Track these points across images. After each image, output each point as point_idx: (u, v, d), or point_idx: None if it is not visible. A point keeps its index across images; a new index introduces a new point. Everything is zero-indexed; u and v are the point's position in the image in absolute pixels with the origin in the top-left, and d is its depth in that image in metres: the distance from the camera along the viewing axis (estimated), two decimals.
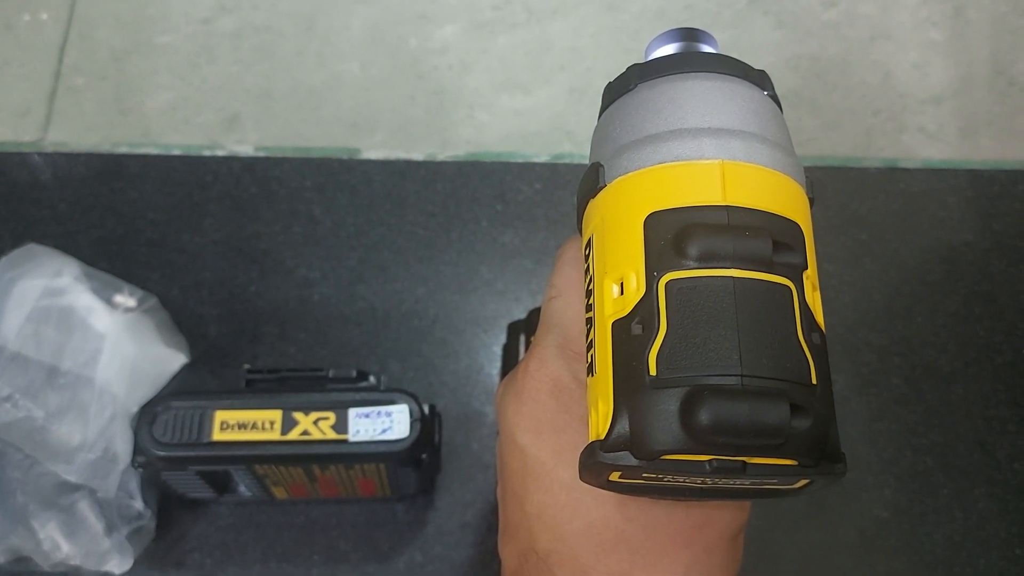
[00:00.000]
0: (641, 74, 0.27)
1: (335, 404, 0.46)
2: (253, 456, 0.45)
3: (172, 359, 0.54)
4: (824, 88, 0.67)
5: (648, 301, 0.23)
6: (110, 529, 0.48)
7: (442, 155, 0.63)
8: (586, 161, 0.28)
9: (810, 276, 0.24)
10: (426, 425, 0.46)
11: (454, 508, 0.53)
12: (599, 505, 0.28)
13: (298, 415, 0.46)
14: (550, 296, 0.31)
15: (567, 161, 0.63)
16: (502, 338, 0.54)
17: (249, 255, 0.59)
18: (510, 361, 0.48)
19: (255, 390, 0.48)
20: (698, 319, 0.22)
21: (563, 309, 0.30)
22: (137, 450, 0.46)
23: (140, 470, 0.47)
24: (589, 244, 0.26)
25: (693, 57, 0.27)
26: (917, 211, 0.62)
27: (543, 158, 0.63)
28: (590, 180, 0.26)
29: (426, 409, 0.46)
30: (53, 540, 0.48)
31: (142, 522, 0.49)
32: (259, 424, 0.45)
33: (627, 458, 0.23)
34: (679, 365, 0.22)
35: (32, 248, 0.54)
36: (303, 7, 0.68)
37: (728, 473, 0.22)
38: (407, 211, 0.61)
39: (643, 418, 0.22)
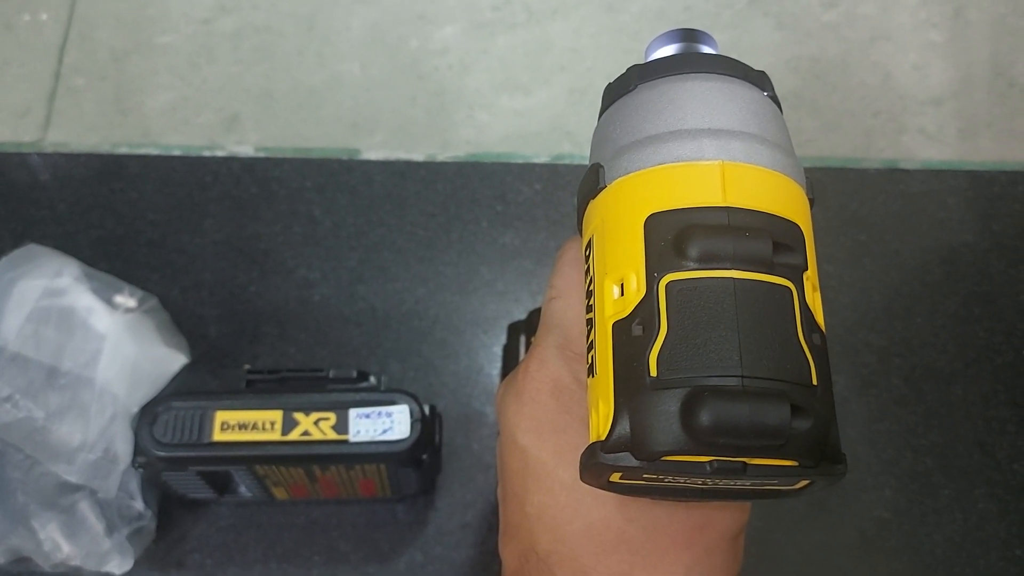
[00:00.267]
0: (641, 75, 0.27)
1: (335, 404, 0.46)
2: (254, 456, 0.45)
3: (172, 359, 0.54)
4: (824, 89, 0.67)
5: (648, 302, 0.23)
6: (111, 530, 0.48)
7: (442, 156, 0.63)
8: (586, 162, 0.28)
9: (810, 277, 0.24)
10: (426, 425, 0.46)
11: (454, 508, 0.53)
12: (600, 506, 0.28)
13: (298, 415, 0.46)
14: (550, 297, 0.31)
15: (567, 162, 0.63)
16: (502, 339, 0.54)
17: (249, 255, 0.59)
18: (510, 362, 0.48)
19: (255, 390, 0.48)
20: (698, 320, 0.22)
21: (563, 310, 0.30)
22: (137, 450, 0.46)
23: (140, 470, 0.47)
24: (589, 245, 0.26)
25: (693, 58, 0.27)
26: (917, 212, 0.62)
27: (543, 159, 0.63)
28: (590, 181, 0.26)
29: (426, 409, 0.47)
30: (53, 540, 0.48)
31: (142, 522, 0.49)
32: (259, 424, 0.45)
33: (628, 459, 0.23)
34: (680, 366, 0.22)
35: (32, 248, 0.54)
36: (303, 7, 0.68)
37: (729, 474, 0.22)
38: (407, 212, 0.61)
39: (644, 419, 0.22)
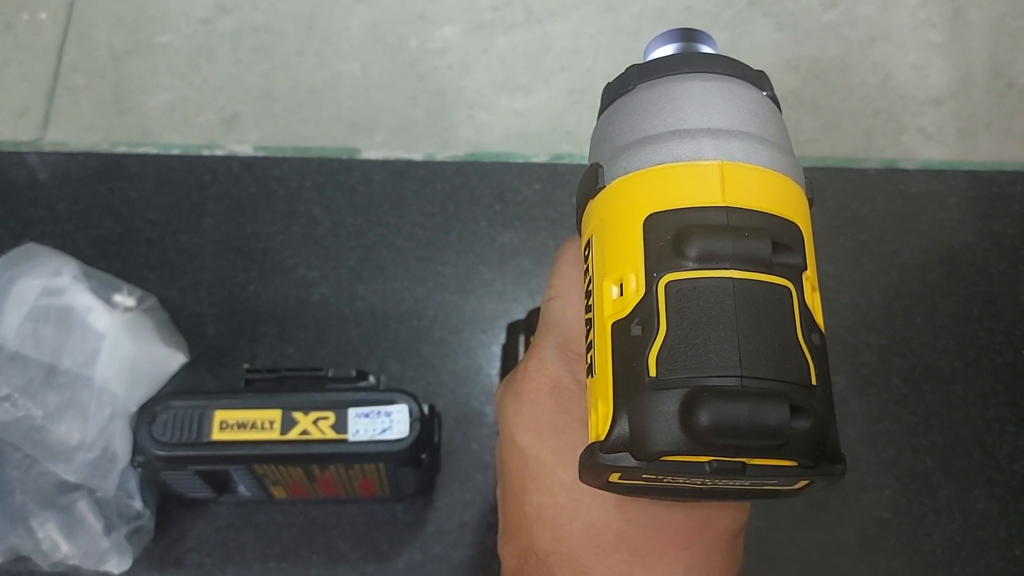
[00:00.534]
0: (640, 75, 0.27)
1: (334, 404, 0.46)
2: (252, 456, 0.45)
3: (171, 359, 0.54)
4: (824, 89, 0.67)
5: (647, 302, 0.23)
6: (109, 529, 0.48)
7: (441, 155, 0.63)
8: (585, 162, 0.28)
9: (809, 277, 0.24)
10: (425, 425, 0.46)
11: (453, 508, 0.53)
12: (599, 506, 0.28)
13: (297, 415, 0.45)
14: (549, 297, 0.31)
15: (567, 161, 0.63)
16: (501, 338, 0.54)
17: (248, 255, 0.59)
18: (509, 361, 0.48)
19: (254, 390, 0.48)
20: (697, 320, 0.22)
21: (562, 310, 0.30)
22: (136, 450, 0.46)
23: (139, 470, 0.47)
24: (588, 245, 0.26)
25: (692, 58, 0.27)
26: (916, 212, 0.62)
27: (542, 158, 0.63)
28: (589, 181, 0.26)
29: (425, 409, 0.46)
30: (52, 540, 0.48)
31: (141, 522, 0.49)
32: (258, 424, 0.45)
33: (627, 459, 0.23)
34: (679, 366, 0.22)
35: (31, 247, 0.54)
36: (303, 7, 0.68)
37: (728, 474, 0.22)
38: (406, 211, 0.61)
39: (643, 419, 0.22)
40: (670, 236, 0.23)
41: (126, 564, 0.49)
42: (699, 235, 0.23)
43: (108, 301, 0.52)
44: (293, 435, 0.45)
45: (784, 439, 0.22)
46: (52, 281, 0.51)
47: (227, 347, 0.57)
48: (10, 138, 0.63)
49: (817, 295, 0.25)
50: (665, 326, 0.23)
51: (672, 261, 0.23)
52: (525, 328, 0.47)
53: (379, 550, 0.52)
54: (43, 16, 0.67)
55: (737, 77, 0.26)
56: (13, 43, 0.67)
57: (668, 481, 0.23)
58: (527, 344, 0.46)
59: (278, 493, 0.50)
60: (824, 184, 0.63)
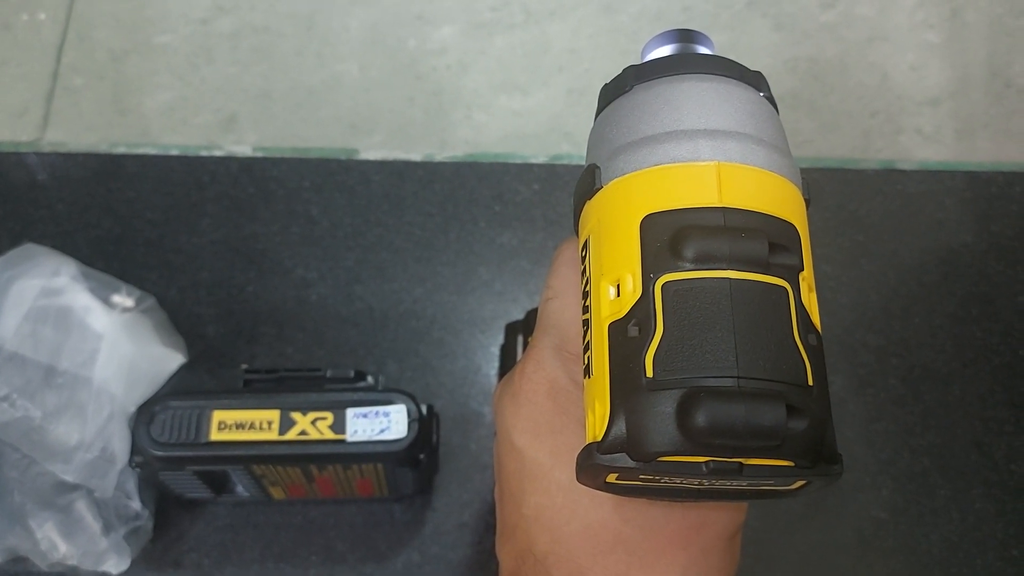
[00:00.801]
0: (637, 76, 0.27)
1: (333, 404, 0.46)
2: (251, 456, 0.45)
3: (170, 359, 0.54)
4: (822, 90, 0.67)
5: (644, 303, 0.23)
6: (107, 529, 0.48)
7: (440, 156, 0.63)
8: (583, 162, 0.28)
9: (806, 277, 0.24)
10: (424, 425, 0.46)
11: (452, 508, 0.53)
12: (596, 506, 0.28)
13: (296, 415, 0.46)
14: (547, 297, 0.31)
15: (565, 162, 0.63)
16: (499, 339, 0.54)
17: (247, 255, 0.59)
18: (507, 362, 0.48)
19: (253, 390, 0.48)
20: (694, 321, 0.22)
21: (560, 311, 0.30)
22: (135, 450, 0.46)
23: (138, 470, 0.47)
24: (586, 246, 0.26)
25: (689, 59, 0.27)
26: (914, 212, 0.62)
27: (541, 159, 0.63)
28: (586, 182, 0.26)
29: (424, 409, 0.46)
30: (50, 540, 0.48)
31: (139, 522, 0.49)
32: (257, 424, 0.45)
33: (624, 460, 0.23)
34: (675, 367, 0.22)
35: (30, 248, 0.54)
36: (302, 8, 0.68)
37: (725, 474, 0.22)
38: (405, 212, 0.61)
39: (640, 420, 0.22)
40: (667, 237, 0.23)
41: (124, 564, 0.49)
42: (696, 236, 0.23)
43: (107, 301, 0.52)
44: (291, 435, 0.45)
45: (781, 439, 0.22)
46: (51, 281, 0.51)
47: (225, 347, 0.57)
48: (9, 138, 0.63)
49: (814, 295, 0.25)
50: (662, 327, 0.23)
51: (669, 262, 0.23)
52: (523, 329, 0.47)
53: (377, 550, 0.52)
54: (42, 17, 0.67)
55: (734, 78, 0.26)
56: (12, 43, 0.67)
57: (665, 481, 0.24)
58: (525, 345, 0.46)
59: (276, 493, 0.50)
60: (822, 184, 0.63)
